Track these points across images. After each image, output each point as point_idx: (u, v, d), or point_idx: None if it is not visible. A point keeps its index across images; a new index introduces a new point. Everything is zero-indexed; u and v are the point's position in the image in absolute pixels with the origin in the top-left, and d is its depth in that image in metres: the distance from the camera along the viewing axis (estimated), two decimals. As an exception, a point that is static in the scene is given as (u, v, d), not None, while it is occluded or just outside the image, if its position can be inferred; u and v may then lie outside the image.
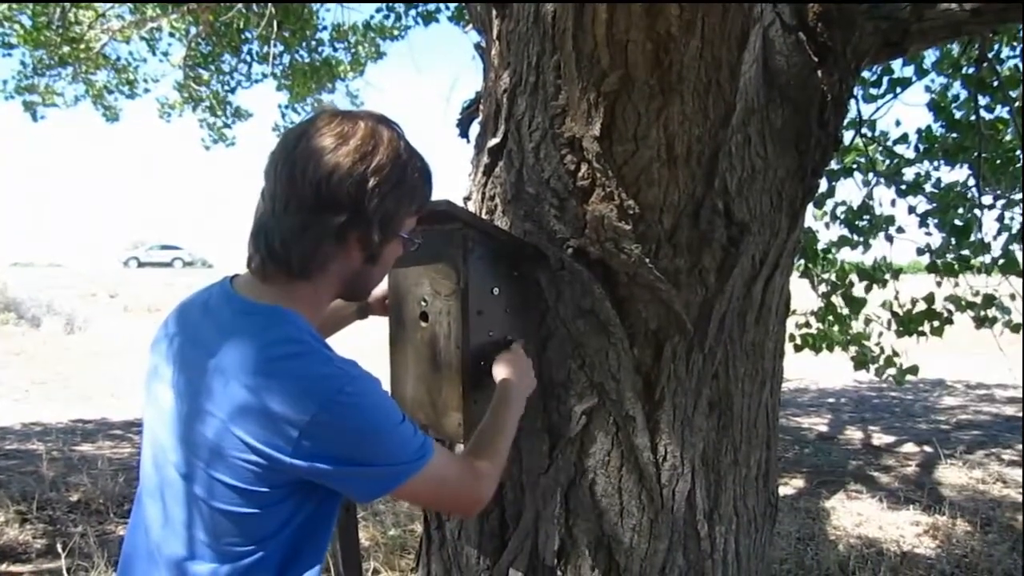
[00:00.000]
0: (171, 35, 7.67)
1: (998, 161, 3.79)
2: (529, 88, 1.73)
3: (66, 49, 6.58)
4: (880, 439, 7.78)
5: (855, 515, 5.46)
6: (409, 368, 1.73)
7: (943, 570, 4.49)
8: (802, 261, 4.29)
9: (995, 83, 3.50)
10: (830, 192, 4.20)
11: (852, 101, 3.73)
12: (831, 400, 9.87)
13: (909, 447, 7.44)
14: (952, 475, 6.42)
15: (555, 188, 1.72)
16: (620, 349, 1.75)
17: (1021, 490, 4.79)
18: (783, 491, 5.95)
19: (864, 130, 3.98)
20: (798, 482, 6.29)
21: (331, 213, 1.18)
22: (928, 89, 4.23)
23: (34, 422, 7.65)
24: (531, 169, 1.75)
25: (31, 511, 4.98)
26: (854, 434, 8.03)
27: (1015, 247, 4.14)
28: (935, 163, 4.13)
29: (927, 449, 7.18)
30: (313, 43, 7.49)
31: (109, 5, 6.89)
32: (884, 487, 6.11)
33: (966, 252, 3.99)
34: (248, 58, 7.79)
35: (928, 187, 4.17)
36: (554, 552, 1.79)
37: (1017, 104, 3.58)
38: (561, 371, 1.79)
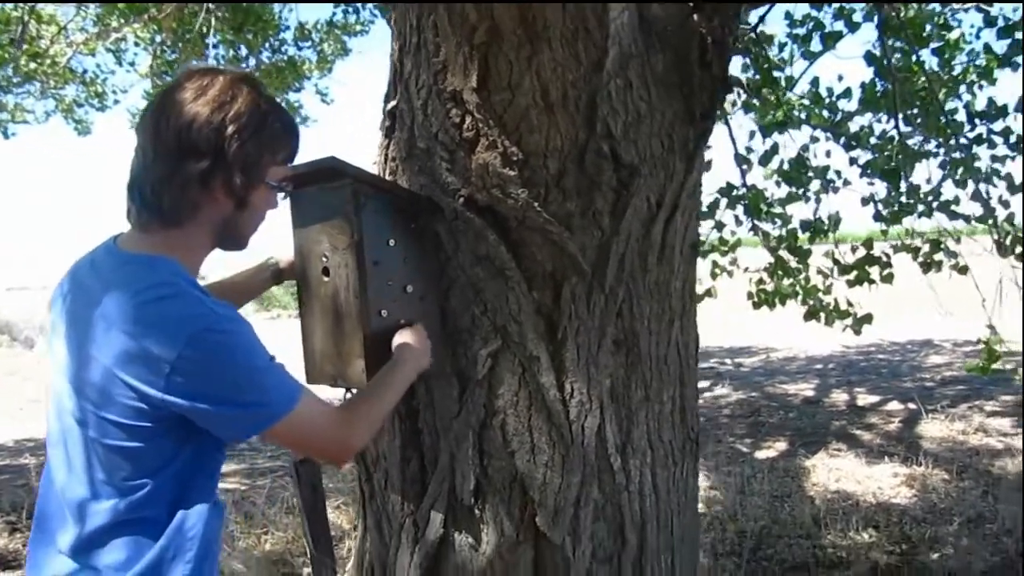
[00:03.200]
0: (136, 44, 7.74)
1: (916, 106, 3.87)
2: (413, 48, 1.81)
3: (32, 65, 6.66)
4: (865, 399, 7.85)
5: (834, 472, 5.55)
6: (316, 323, 1.80)
7: (915, 515, 4.57)
8: (749, 219, 4.36)
9: (899, 24, 3.57)
10: (774, 149, 4.28)
11: (780, 55, 3.83)
12: (819, 366, 9.93)
13: (893, 405, 7.51)
14: (934, 429, 6.50)
15: (443, 141, 1.79)
16: (519, 292, 1.83)
17: (1021, 481, 4.88)
18: (764, 455, 6.04)
19: (808, 85, 4.07)
20: (781, 444, 6.38)
21: (193, 159, 1.26)
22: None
23: (27, 438, 7.73)
24: (421, 126, 1.83)
25: (20, 520, 5.08)
26: (839, 396, 8.10)
27: (959, 191, 4.20)
28: (878, 115, 4.20)
29: (911, 406, 7.25)
30: (276, 43, 7.57)
31: (70, 19, 6.96)
32: (865, 444, 6.19)
33: (907, 200, 4.06)
34: (215, 63, 7.86)
35: (873, 140, 4.24)
36: (471, 492, 1.86)
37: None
38: (465, 317, 1.87)
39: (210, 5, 6.40)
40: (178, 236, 1.31)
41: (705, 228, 4.47)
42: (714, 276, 4.60)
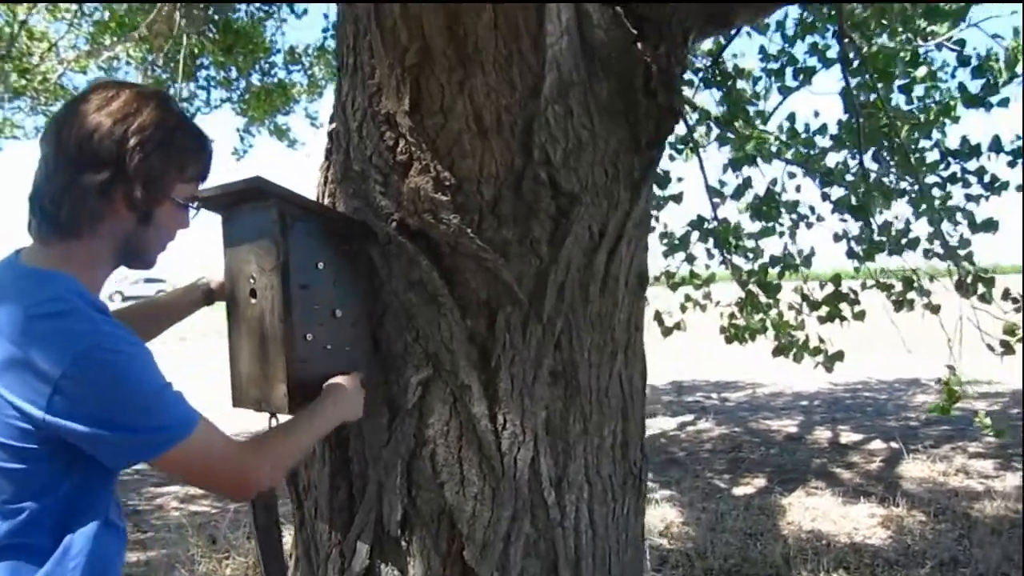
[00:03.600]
0: (128, 63, 7.77)
1: (882, 143, 3.86)
2: (349, 69, 1.79)
3: (23, 81, 6.67)
4: (848, 437, 7.79)
5: (810, 511, 5.48)
6: (243, 345, 1.76)
7: (888, 557, 4.50)
8: (720, 252, 4.33)
9: (855, 62, 3.57)
10: (747, 183, 4.26)
11: (749, 89, 3.81)
12: (804, 403, 9.88)
13: (876, 444, 7.45)
14: (915, 469, 6.43)
15: (377, 164, 1.76)
16: (451, 319, 1.79)
17: (1021, 489, 4.83)
18: (741, 491, 5.97)
19: (784, 121, 4.06)
20: (760, 481, 6.30)
21: (93, 170, 1.23)
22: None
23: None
24: (356, 148, 1.80)
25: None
26: (822, 434, 8.04)
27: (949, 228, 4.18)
28: (851, 151, 4.19)
29: (893, 445, 7.19)
30: (266, 66, 7.60)
31: (61, 36, 6.99)
32: (844, 483, 6.12)
33: (880, 237, 4.03)
34: (206, 83, 7.88)
35: (849, 176, 4.23)
36: (398, 523, 1.81)
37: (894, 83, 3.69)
38: (398, 343, 1.83)
39: (197, 27, 6.42)
40: (78, 250, 1.28)
41: (676, 261, 4.46)
42: (683, 309, 4.57)
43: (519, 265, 1.82)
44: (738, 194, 4.25)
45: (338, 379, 1.66)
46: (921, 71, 3.80)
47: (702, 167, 4.16)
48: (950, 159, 3.99)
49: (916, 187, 3.98)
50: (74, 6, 6.90)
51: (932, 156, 4.19)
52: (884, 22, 3.82)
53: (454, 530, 1.81)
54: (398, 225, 1.76)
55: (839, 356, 4.48)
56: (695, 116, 4.22)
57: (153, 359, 1.25)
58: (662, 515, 5.28)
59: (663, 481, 6.47)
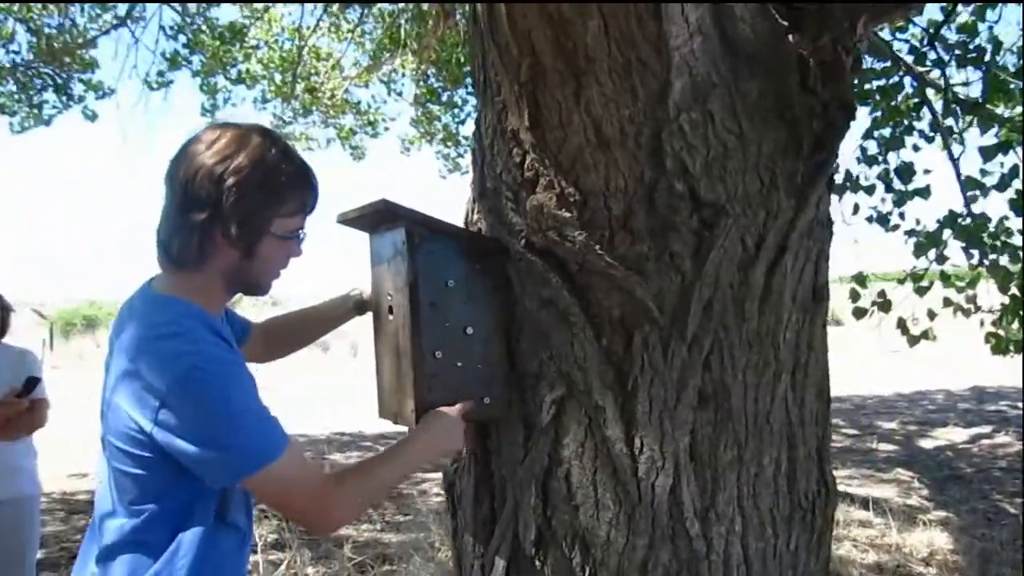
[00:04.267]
0: (402, 75, 8.40)
1: None
2: (480, 87, 1.79)
3: (307, 97, 7.47)
4: None
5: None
6: (385, 359, 1.84)
7: None
8: (976, 250, 3.74)
9: None
10: (1013, 172, 3.62)
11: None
12: None
13: None
14: None
15: (507, 181, 1.75)
16: (583, 339, 1.74)
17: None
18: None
19: None
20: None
21: (197, 210, 1.34)
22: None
23: (300, 433, 8.61)
24: (488, 165, 1.80)
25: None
26: None
27: None
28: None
29: None
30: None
31: (343, 54, 7.73)
32: None
33: None
34: (472, 90, 8.33)
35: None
36: (532, 542, 1.80)
37: None
38: (533, 362, 1.81)
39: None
40: (197, 278, 1.40)
41: (925, 262, 3.93)
42: (932, 316, 4.03)
43: (658, 282, 1.72)
44: (1002, 185, 3.66)
45: (439, 409, 1.66)
46: None
47: (952, 156, 3.64)
48: None
49: None
50: (352, 24, 7.58)
51: None
52: None
53: (588, 553, 1.76)
54: (527, 242, 1.74)
55: None
56: (940, 101, 3.70)
57: (249, 383, 1.33)
58: (929, 539, 4.76)
59: (940, 501, 5.83)
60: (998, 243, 3.64)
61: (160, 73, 7.29)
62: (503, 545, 1.84)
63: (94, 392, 1.49)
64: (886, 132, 4.04)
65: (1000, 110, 3.67)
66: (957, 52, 3.56)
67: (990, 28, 3.40)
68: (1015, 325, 3.80)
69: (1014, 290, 3.56)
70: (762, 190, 1.76)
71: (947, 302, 3.94)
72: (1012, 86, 3.60)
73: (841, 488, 6.29)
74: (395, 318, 1.77)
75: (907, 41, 3.93)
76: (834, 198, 2.98)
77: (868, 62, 3.49)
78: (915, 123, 3.97)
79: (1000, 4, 2.97)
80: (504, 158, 1.74)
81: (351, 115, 8.62)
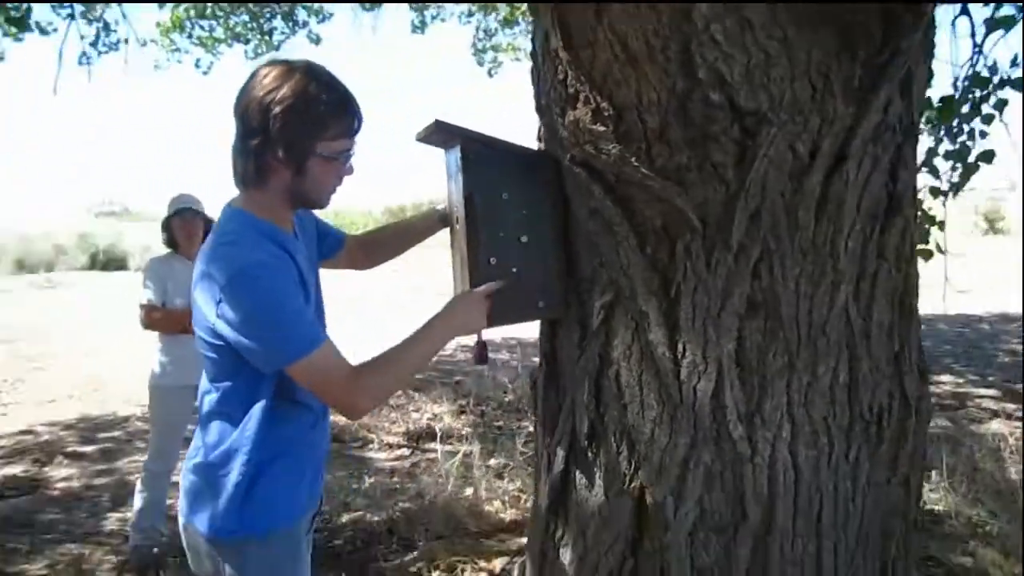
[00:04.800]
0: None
1: None
2: (531, 8, 1.87)
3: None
4: None
5: None
6: (456, 266, 2.01)
7: None
8: None
9: None
10: None
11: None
12: None
13: None
14: None
15: (554, 98, 1.84)
16: (627, 247, 1.82)
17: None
18: None
19: None
20: None
21: (251, 137, 1.57)
22: None
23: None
24: (541, 82, 1.89)
25: (468, 406, 6.19)
26: None
27: None
28: None
29: None
30: None
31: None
32: None
33: None
34: None
35: None
36: (586, 435, 1.94)
37: None
38: (587, 267, 1.92)
39: None
40: (258, 196, 1.65)
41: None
42: None
43: (702, 191, 1.76)
44: None
45: (458, 296, 1.82)
46: None
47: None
48: None
49: None
50: None
51: None
52: None
53: (634, 449, 1.88)
54: (571, 156, 1.83)
55: None
56: None
57: (291, 287, 1.57)
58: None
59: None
60: None
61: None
62: (563, 438, 2.00)
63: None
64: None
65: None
66: None
67: None
68: None
69: None
70: (815, 96, 1.72)
71: None
72: None
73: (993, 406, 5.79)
74: (460, 228, 1.94)
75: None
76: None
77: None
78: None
79: None
80: (551, 76, 1.83)
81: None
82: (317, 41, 8.00)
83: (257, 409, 1.65)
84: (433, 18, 8.49)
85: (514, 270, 1.89)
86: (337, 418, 6.04)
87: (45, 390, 7.61)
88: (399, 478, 4.71)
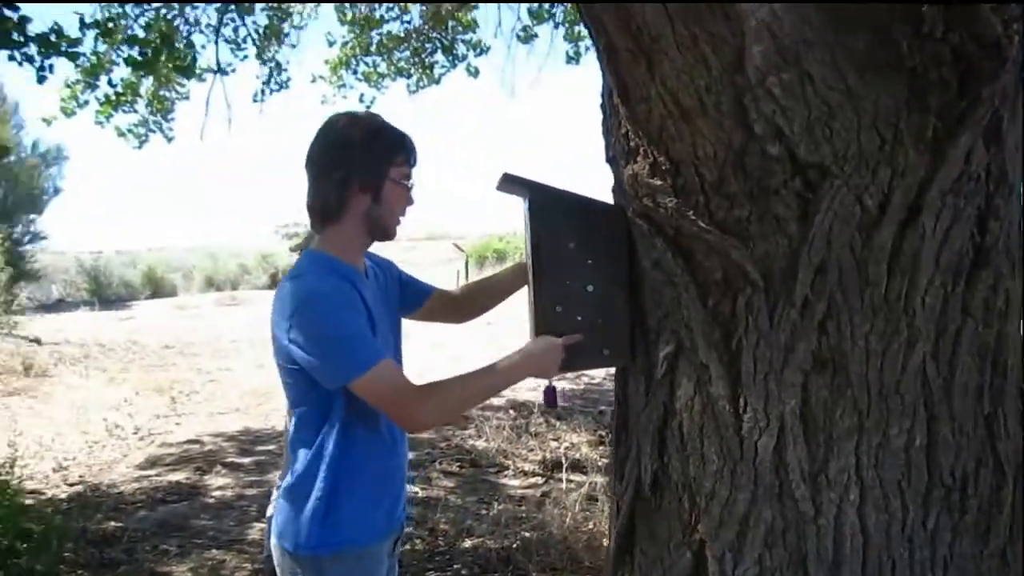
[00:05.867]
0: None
1: None
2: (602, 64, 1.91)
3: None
4: None
5: None
6: (531, 311, 2.08)
7: None
8: None
9: None
10: None
11: None
12: None
13: None
14: None
15: (618, 151, 1.87)
16: (688, 299, 1.81)
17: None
18: None
19: None
20: None
21: (334, 171, 1.77)
22: None
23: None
24: (608, 134, 1.93)
25: (608, 437, 6.20)
26: None
27: None
28: None
29: None
30: None
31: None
32: None
33: None
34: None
35: None
36: (649, 485, 1.94)
37: None
38: (652, 318, 1.92)
39: None
40: (336, 231, 1.83)
41: None
42: None
43: (763, 245, 1.74)
44: None
45: (540, 338, 1.89)
46: None
47: None
48: None
49: None
50: None
51: None
52: None
53: (695, 502, 1.87)
54: (632, 208, 1.85)
55: None
56: None
57: (352, 312, 1.72)
58: None
59: None
60: None
61: (524, 28, 8.00)
62: (629, 486, 2.01)
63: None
64: None
65: None
66: None
67: None
68: None
69: None
70: (883, 147, 1.66)
71: None
72: None
73: None
74: (529, 276, 2.00)
75: None
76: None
77: None
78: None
79: None
80: (616, 129, 1.86)
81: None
82: (476, 74, 8.31)
83: (329, 432, 1.79)
84: (587, 49, 8.59)
85: (579, 318, 1.93)
86: (476, 442, 6.25)
87: (216, 402, 8.27)
88: (527, 506, 4.78)
